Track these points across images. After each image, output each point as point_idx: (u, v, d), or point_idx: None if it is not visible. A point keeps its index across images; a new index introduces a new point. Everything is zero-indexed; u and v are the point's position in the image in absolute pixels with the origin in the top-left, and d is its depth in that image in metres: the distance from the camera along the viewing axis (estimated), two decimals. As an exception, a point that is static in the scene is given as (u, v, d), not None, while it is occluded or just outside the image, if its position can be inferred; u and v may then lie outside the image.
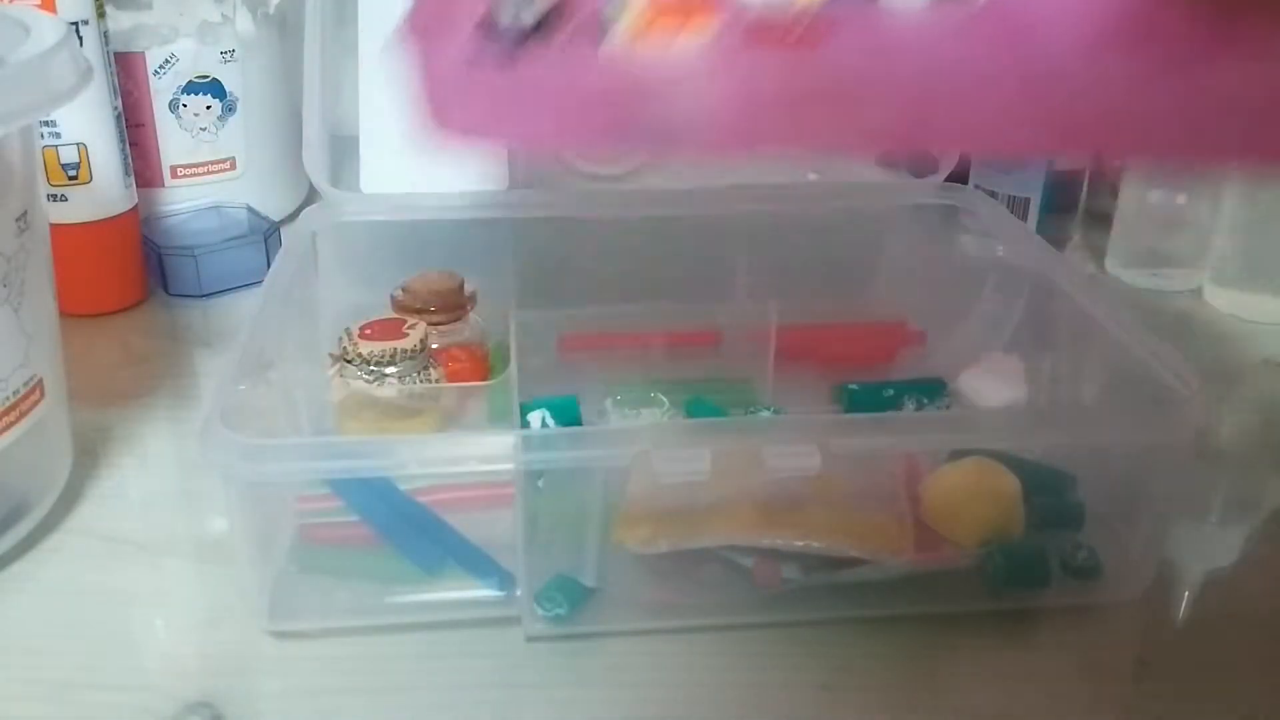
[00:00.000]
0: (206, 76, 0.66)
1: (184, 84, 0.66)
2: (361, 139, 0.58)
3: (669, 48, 0.29)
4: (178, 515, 0.46)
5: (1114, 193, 0.68)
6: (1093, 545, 0.41)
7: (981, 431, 0.42)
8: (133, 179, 0.61)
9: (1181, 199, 0.64)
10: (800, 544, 0.39)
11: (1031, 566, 0.40)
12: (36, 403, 0.42)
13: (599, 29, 0.30)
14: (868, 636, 0.39)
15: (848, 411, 0.51)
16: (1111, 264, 0.67)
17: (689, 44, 0.29)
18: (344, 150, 0.58)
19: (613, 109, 0.29)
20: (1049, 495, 0.42)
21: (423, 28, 0.31)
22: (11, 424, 0.41)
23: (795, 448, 0.37)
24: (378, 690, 0.37)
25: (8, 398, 0.40)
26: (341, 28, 0.59)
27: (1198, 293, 0.65)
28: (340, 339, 0.48)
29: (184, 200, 0.68)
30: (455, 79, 0.31)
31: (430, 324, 0.51)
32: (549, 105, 0.29)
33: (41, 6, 0.54)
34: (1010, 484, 0.41)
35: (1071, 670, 0.38)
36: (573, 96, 0.29)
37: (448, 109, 0.31)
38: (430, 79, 0.31)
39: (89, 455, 0.49)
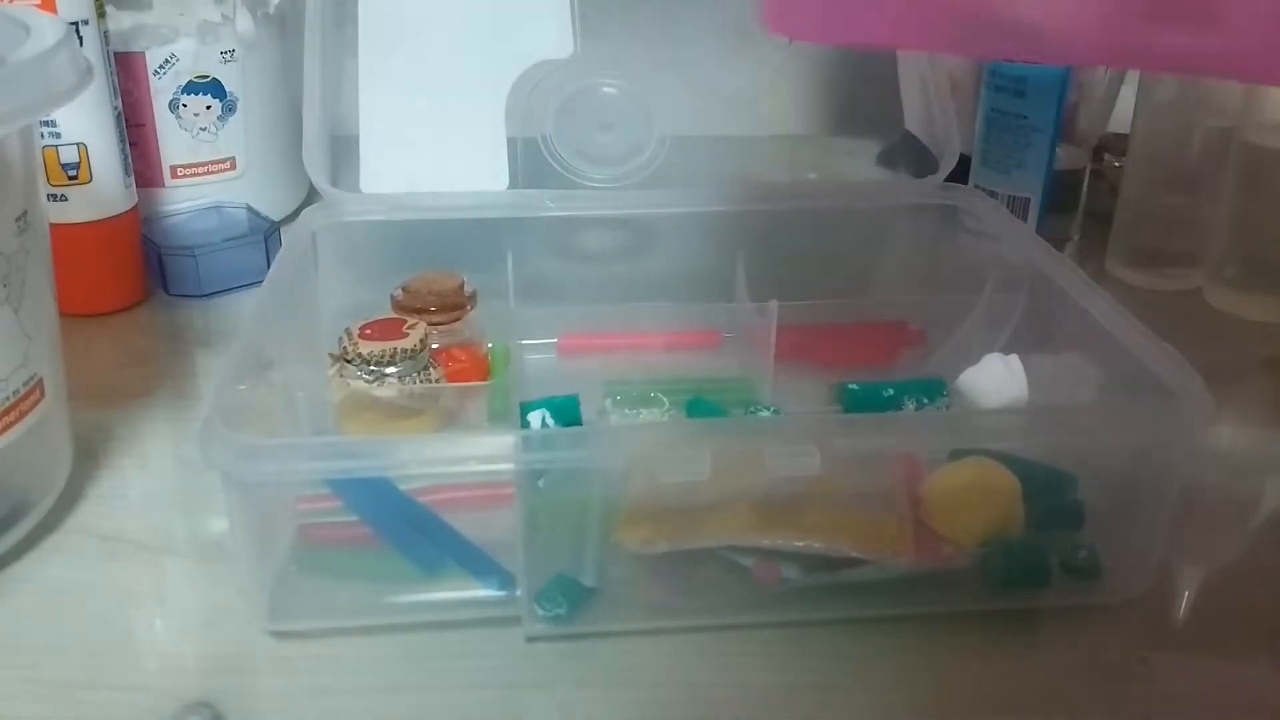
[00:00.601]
0: (206, 76, 0.66)
1: (184, 84, 0.66)
2: (361, 139, 0.58)
3: None
4: (178, 515, 0.46)
5: (1114, 193, 0.68)
6: (1093, 545, 0.41)
7: (981, 431, 0.42)
8: (133, 179, 0.61)
9: (1182, 199, 0.64)
10: (800, 544, 0.39)
11: (1031, 566, 0.40)
12: (36, 403, 0.42)
13: None
14: (868, 636, 0.39)
15: (848, 411, 0.51)
16: (1111, 264, 0.67)
17: None
18: (344, 150, 0.58)
19: (958, 5, 0.27)
20: (1049, 495, 0.42)
21: None
22: (11, 424, 0.41)
23: (795, 448, 0.37)
24: (378, 690, 0.37)
25: (8, 398, 0.40)
26: (341, 28, 0.59)
27: (1198, 293, 0.65)
28: (340, 339, 0.48)
29: (184, 200, 0.68)
30: None
31: (430, 324, 0.51)
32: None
33: (41, 6, 0.54)
34: (1010, 484, 0.41)
35: (1071, 670, 0.38)
36: None
37: (782, 5, 0.30)
38: None
39: (89, 455, 0.49)
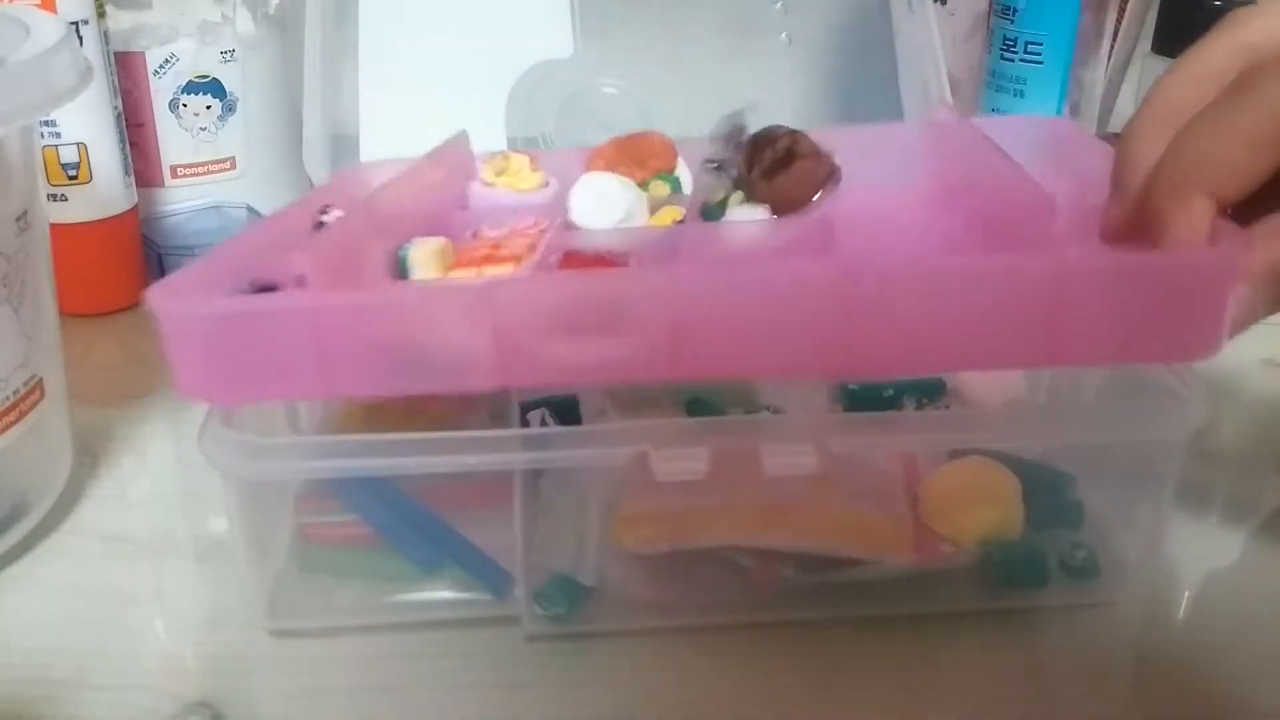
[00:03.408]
0: (206, 76, 0.66)
1: (184, 84, 0.66)
2: (361, 139, 0.58)
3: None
4: (178, 515, 0.46)
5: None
6: (1092, 545, 0.41)
7: (981, 431, 0.42)
8: (133, 179, 0.61)
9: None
10: (800, 544, 0.39)
11: (1031, 566, 0.40)
12: (36, 403, 0.42)
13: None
14: (868, 636, 0.39)
15: (848, 411, 0.51)
16: (1111, 264, 0.67)
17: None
18: (344, 150, 0.58)
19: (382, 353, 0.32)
20: (1049, 495, 0.42)
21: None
22: (11, 424, 0.41)
23: (795, 447, 0.37)
24: (378, 690, 0.37)
25: (8, 398, 0.40)
26: (341, 28, 0.59)
27: (1198, 293, 0.65)
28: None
29: (184, 200, 0.68)
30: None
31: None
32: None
33: (41, 6, 0.54)
34: (1010, 484, 0.41)
35: (1071, 670, 0.38)
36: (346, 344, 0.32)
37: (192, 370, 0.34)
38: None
39: (89, 455, 0.49)
